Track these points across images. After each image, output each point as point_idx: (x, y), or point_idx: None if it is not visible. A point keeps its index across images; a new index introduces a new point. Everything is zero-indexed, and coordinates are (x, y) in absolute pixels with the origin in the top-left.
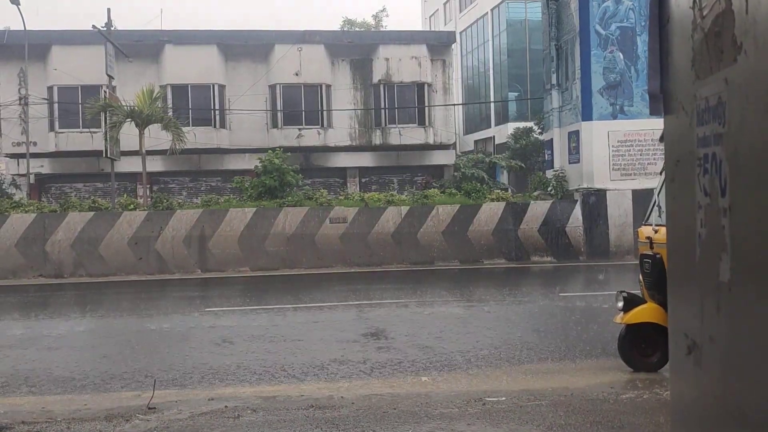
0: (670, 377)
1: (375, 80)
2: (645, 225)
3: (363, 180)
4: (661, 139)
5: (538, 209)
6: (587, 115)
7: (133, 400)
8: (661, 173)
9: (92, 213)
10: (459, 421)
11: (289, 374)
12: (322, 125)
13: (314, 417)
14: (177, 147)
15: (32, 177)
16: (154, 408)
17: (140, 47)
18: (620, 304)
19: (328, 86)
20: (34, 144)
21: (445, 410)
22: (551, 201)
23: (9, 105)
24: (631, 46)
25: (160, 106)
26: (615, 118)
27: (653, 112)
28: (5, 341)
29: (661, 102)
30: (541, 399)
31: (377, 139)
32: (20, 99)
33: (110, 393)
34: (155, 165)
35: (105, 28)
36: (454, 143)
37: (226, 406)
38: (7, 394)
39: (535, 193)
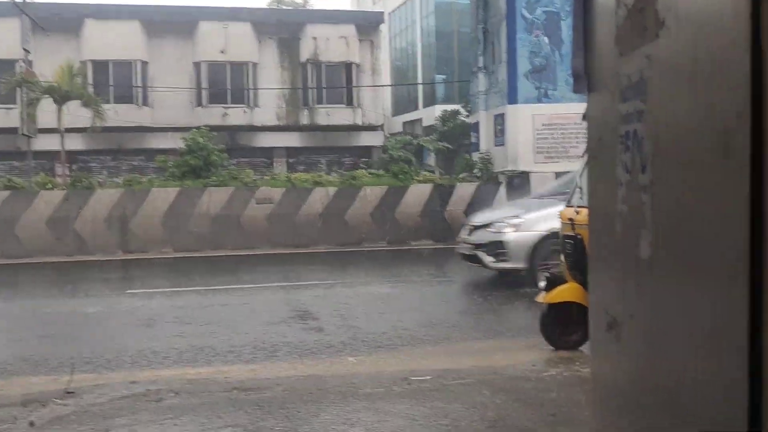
0: (590, 354)
1: (303, 59)
2: (567, 207)
3: (290, 160)
4: (584, 117)
5: (464, 191)
6: (513, 99)
7: (50, 384)
8: (583, 156)
9: (8, 192)
10: (384, 400)
11: (213, 357)
12: (249, 104)
13: (238, 399)
14: (97, 125)
15: None
16: (73, 392)
17: (59, 21)
18: (542, 284)
19: (255, 64)
20: None
21: (371, 390)
22: (477, 183)
23: None
24: (557, 30)
25: (80, 82)
26: (539, 101)
27: (577, 91)
28: None
29: (584, 81)
30: (466, 378)
31: (305, 119)
32: None
33: (26, 378)
34: (75, 143)
35: (21, 0)
36: (383, 125)
37: (147, 390)
38: None
39: (462, 176)
